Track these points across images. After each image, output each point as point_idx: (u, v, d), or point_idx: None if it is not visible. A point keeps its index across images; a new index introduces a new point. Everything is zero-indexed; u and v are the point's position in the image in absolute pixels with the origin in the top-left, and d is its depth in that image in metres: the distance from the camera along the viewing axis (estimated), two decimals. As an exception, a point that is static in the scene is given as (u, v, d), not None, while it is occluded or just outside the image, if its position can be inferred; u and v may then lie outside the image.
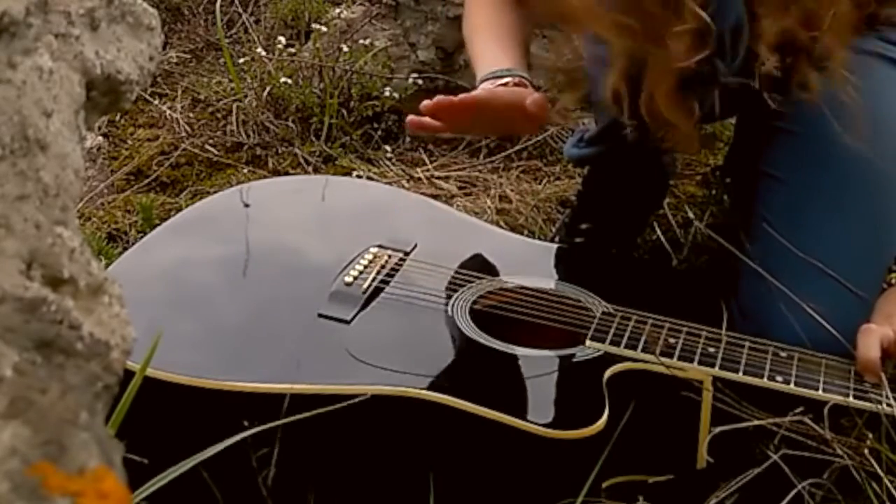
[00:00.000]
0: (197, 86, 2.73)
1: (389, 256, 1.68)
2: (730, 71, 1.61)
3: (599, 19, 1.57)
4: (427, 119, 1.67)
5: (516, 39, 1.88)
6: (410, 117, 1.69)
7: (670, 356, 1.45)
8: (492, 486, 1.39)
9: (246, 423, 1.29)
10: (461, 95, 1.69)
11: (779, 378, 1.43)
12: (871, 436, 1.34)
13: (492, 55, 1.84)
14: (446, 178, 2.35)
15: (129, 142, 2.54)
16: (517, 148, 2.41)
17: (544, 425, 1.34)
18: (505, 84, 1.74)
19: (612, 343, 1.48)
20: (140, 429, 1.11)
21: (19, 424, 0.62)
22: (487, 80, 1.78)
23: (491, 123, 1.82)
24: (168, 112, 2.61)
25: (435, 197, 2.14)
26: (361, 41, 2.64)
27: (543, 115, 1.74)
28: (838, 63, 1.57)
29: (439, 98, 1.66)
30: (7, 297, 0.67)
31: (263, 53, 2.67)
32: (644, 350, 1.46)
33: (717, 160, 2.30)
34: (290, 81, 2.53)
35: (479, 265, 1.67)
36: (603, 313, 1.55)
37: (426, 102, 1.66)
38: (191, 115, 2.62)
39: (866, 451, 1.31)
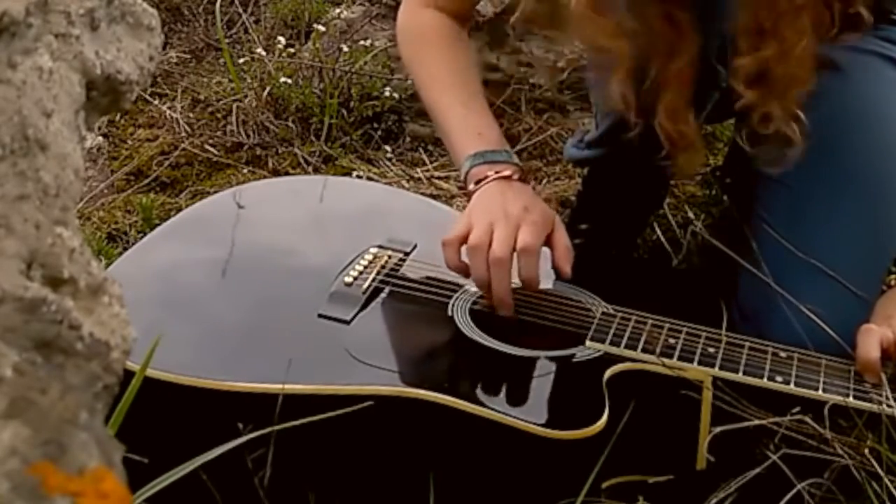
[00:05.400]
0: (197, 86, 2.73)
1: (389, 257, 1.68)
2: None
3: (597, 25, 1.56)
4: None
5: (482, 92, 1.80)
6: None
7: (670, 356, 1.45)
8: (492, 486, 1.39)
9: (245, 423, 1.29)
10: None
11: (779, 378, 1.43)
12: (871, 436, 1.34)
13: (474, 127, 1.74)
14: (446, 179, 2.35)
15: (129, 142, 2.54)
16: (517, 149, 2.41)
17: (544, 425, 1.34)
18: (508, 177, 1.66)
19: (612, 343, 1.48)
20: (139, 429, 1.11)
21: (19, 424, 0.62)
22: (481, 165, 1.68)
23: None
24: (168, 112, 2.61)
25: (435, 197, 2.14)
26: (361, 41, 2.64)
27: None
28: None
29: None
30: (7, 297, 0.67)
31: (263, 53, 2.67)
32: (644, 350, 1.46)
33: (717, 160, 2.30)
34: (289, 81, 2.54)
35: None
36: (603, 314, 1.55)
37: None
38: (191, 115, 2.62)
39: (866, 450, 1.31)
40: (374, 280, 1.62)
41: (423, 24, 1.85)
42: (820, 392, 1.41)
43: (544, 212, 1.63)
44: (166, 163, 2.43)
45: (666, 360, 1.44)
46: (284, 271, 1.65)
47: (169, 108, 2.63)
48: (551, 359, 1.47)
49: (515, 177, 1.67)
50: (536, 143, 2.44)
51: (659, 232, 2.03)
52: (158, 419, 1.39)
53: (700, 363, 1.44)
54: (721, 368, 1.44)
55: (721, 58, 1.59)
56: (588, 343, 1.49)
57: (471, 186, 1.67)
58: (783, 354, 1.47)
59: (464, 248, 1.58)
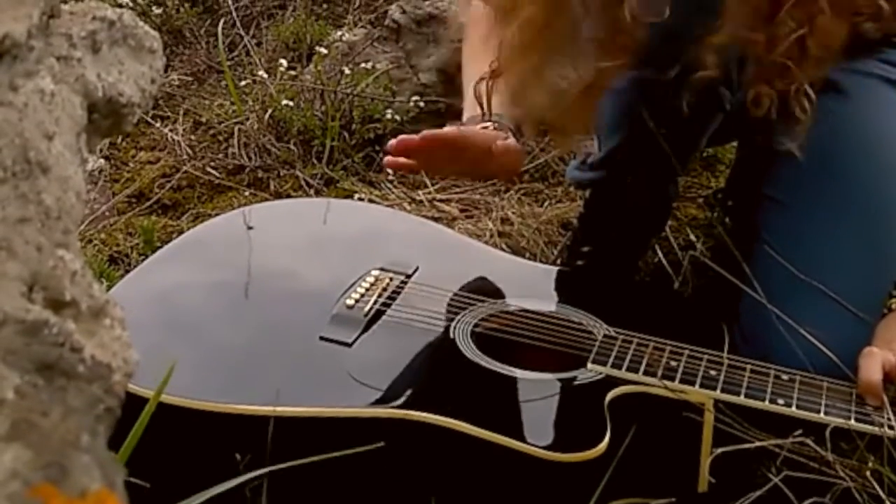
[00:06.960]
0: (198, 108, 2.74)
1: (391, 279, 1.68)
2: (735, 100, 1.62)
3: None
4: (401, 158, 1.66)
5: None
6: (387, 158, 1.68)
7: (672, 379, 1.45)
8: (493, 509, 1.39)
9: (246, 446, 1.29)
10: (426, 133, 1.64)
11: (780, 401, 1.42)
12: (872, 458, 1.34)
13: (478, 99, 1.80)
14: (448, 201, 2.35)
15: (131, 164, 2.54)
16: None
17: (546, 448, 1.34)
18: (485, 129, 1.73)
19: (614, 366, 1.48)
20: (139, 451, 1.11)
21: (21, 447, 0.62)
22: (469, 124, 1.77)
23: (464, 165, 1.76)
24: (170, 135, 2.62)
25: (436, 219, 2.14)
26: (363, 64, 2.65)
27: (514, 163, 1.72)
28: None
29: (402, 137, 1.64)
30: (9, 319, 0.67)
31: (265, 76, 2.68)
32: (646, 373, 1.46)
33: (719, 183, 2.30)
34: (291, 104, 2.54)
35: (481, 288, 1.67)
36: (604, 336, 1.55)
37: (393, 142, 1.64)
38: (192, 137, 2.62)
39: (868, 473, 1.31)
40: (375, 303, 1.62)
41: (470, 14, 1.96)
42: (822, 415, 1.41)
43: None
44: (168, 185, 2.43)
45: (668, 383, 1.44)
46: (286, 294, 1.65)
47: (171, 130, 2.64)
48: (553, 381, 1.47)
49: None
50: (538, 164, 2.44)
51: (661, 254, 2.03)
52: (158, 442, 1.38)
53: (702, 386, 1.44)
54: (723, 391, 1.43)
55: (726, 82, 1.60)
56: (590, 366, 1.49)
57: None
58: (785, 377, 1.47)
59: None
